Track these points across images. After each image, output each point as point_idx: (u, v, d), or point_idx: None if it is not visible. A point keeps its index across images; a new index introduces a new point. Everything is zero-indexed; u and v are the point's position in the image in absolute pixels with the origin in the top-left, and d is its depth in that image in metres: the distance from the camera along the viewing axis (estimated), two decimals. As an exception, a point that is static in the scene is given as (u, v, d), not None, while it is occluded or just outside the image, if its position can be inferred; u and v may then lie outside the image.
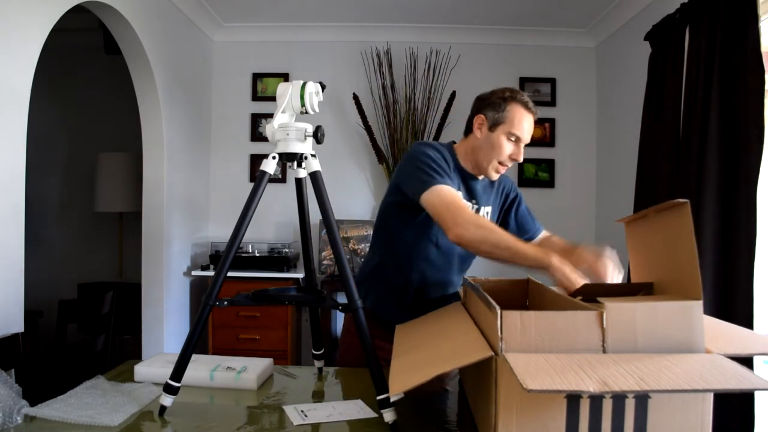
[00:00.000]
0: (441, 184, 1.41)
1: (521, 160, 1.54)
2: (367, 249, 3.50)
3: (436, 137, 3.59)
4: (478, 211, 1.62)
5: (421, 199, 1.42)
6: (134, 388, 1.25)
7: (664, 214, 0.97)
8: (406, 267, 1.60)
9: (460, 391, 1.33)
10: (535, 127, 1.58)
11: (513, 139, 1.52)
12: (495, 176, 1.57)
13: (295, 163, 1.24)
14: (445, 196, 1.40)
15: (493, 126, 1.53)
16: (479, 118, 1.56)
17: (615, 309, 0.83)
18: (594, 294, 1.00)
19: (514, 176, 3.77)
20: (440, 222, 1.39)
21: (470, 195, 1.60)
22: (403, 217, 1.57)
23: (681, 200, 0.88)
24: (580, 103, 3.80)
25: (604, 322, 0.82)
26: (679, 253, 0.92)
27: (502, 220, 1.73)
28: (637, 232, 1.11)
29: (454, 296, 1.65)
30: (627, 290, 1.05)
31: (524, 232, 1.73)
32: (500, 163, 1.54)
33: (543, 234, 1.74)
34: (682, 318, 0.83)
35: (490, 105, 1.54)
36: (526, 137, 1.53)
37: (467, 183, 1.60)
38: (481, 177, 1.62)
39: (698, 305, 0.83)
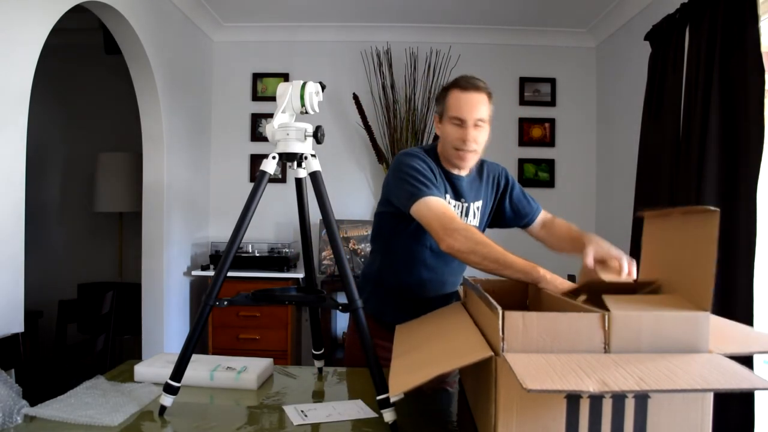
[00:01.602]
0: (428, 195, 1.41)
1: (470, 138, 1.49)
2: (367, 249, 3.50)
3: (436, 137, 3.58)
4: (467, 208, 1.61)
5: (410, 211, 1.43)
6: (134, 388, 1.25)
7: (690, 217, 0.95)
8: (404, 272, 1.61)
9: (460, 391, 1.33)
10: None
11: (456, 122, 1.50)
12: (463, 164, 1.55)
13: (295, 163, 1.24)
14: (434, 207, 1.40)
15: (441, 118, 1.56)
16: (434, 118, 1.61)
17: (620, 317, 0.82)
18: (598, 291, 0.98)
19: (514, 176, 3.76)
20: (431, 232, 1.39)
21: (457, 194, 1.60)
22: (396, 226, 1.58)
23: (712, 208, 0.86)
24: (580, 103, 3.80)
25: (606, 324, 0.82)
26: (696, 258, 0.90)
27: (498, 208, 1.72)
28: (657, 227, 1.09)
29: (453, 295, 1.65)
30: (632, 288, 1.04)
31: (522, 217, 1.72)
32: (456, 149, 1.52)
33: (543, 215, 1.74)
34: (688, 328, 0.82)
35: (437, 101, 1.59)
36: (470, 116, 1.48)
37: (452, 182, 1.59)
38: (464, 173, 1.61)
39: (705, 316, 0.83)
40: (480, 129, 1.51)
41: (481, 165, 1.68)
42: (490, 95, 1.54)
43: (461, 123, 1.49)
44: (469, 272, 1.67)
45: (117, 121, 3.86)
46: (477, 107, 1.49)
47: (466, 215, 1.61)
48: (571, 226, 1.63)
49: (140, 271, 3.03)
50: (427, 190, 1.43)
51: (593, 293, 1.01)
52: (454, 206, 1.57)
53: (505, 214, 1.72)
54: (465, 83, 1.51)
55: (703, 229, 0.89)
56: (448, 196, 1.55)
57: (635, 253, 1.17)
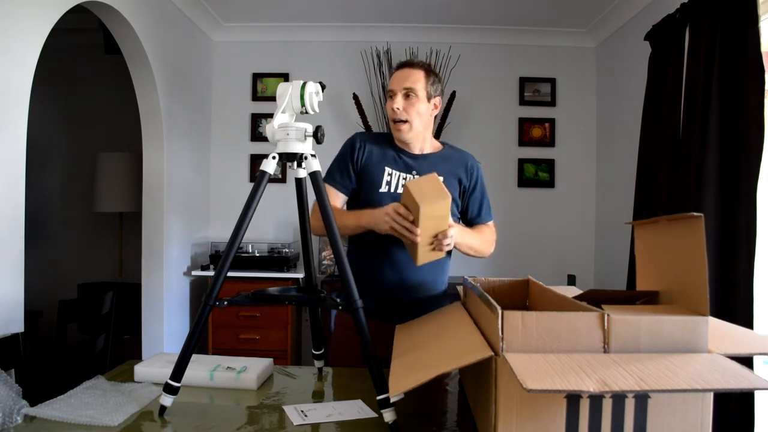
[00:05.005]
0: (326, 182, 1.55)
1: (395, 106, 1.57)
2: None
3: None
4: None
5: None
6: (134, 388, 1.25)
7: (676, 224, 0.96)
8: (364, 259, 1.64)
9: (460, 391, 1.33)
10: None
11: (390, 95, 1.61)
12: (398, 135, 1.62)
13: (295, 163, 1.24)
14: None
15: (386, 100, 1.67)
16: None
17: (620, 318, 0.82)
18: (598, 300, 0.99)
19: (514, 176, 3.78)
20: None
21: (408, 168, 1.64)
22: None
23: (695, 214, 0.87)
24: (580, 103, 3.80)
25: (605, 324, 0.82)
26: (688, 265, 0.91)
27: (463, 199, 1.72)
28: (647, 235, 1.10)
29: (435, 298, 1.65)
30: (632, 297, 1.04)
31: (463, 215, 1.72)
32: (392, 120, 1.61)
33: (482, 225, 1.73)
34: (687, 330, 0.83)
35: None
36: (398, 86, 1.58)
37: (404, 158, 1.65)
38: (417, 150, 1.66)
39: (704, 320, 0.83)
40: (412, 101, 1.57)
41: (452, 149, 1.73)
42: (426, 70, 1.60)
43: (392, 95, 1.60)
44: (470, 272, 1.67)
45: (117, 121, 3.86)
46: (406, 79, 1.58)
47: None
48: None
49: (140, 271, 3.03)
50: (328, 177, 1.63)
51: (593, 303, 1.02)
52: (404, 178, 1.63)
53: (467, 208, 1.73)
54: (400, 63, 1.64)
55: (691, 236, 0.90)
56: (389, 169, 1.62)
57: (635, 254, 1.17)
